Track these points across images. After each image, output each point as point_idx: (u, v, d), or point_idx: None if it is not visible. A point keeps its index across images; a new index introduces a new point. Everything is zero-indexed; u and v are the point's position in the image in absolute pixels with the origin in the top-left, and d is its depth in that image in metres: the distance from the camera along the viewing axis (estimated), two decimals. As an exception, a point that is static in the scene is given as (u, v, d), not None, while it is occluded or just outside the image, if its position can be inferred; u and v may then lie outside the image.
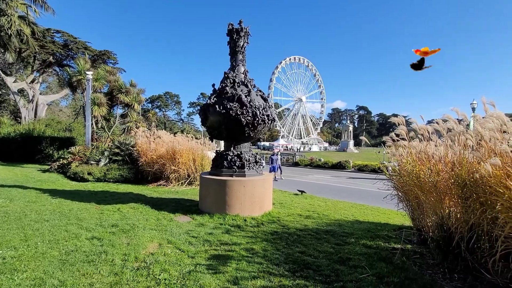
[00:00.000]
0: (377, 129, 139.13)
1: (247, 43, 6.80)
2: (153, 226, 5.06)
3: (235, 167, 6.29)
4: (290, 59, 74.11)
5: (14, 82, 28.57)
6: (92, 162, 11.43)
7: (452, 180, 3.55)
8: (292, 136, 77.32)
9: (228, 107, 5.93)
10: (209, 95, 6.63)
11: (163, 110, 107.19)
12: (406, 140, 4.56)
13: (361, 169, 22.81)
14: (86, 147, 13.38)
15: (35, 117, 26.45)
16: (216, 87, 6.58)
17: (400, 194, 4.97)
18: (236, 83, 6.31)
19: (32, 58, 30.62)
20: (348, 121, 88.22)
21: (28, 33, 19.21)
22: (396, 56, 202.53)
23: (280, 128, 72.88)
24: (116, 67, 34.51)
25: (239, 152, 6.42)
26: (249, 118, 5.98)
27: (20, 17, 17.41)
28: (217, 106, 6.02)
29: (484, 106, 3.40)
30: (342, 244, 4.53)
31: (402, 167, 4.46)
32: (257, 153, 6.95)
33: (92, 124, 15.28)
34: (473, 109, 17.46)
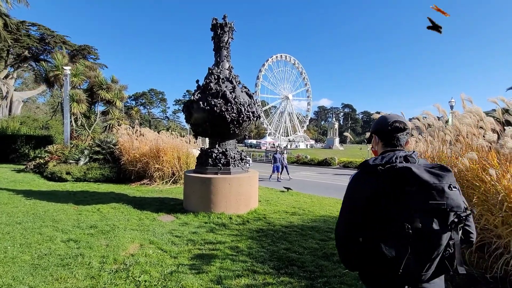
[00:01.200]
0: (362, 126, 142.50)
1: (232, 38, 6.69)
2: (135, 226, 4.89)
3: (220, 165, 6.19)
4: (276, 57, 74.13)
5: (-16, 78, 26.93)
6: (71, 161, 10.94)
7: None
8: (279, 133, 77.68)
9: (213, 103, 5.81)
10: (193, 91, 6.48)
11: (148, 107, 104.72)
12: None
13: (346, 165, 23.26)
14: (64, 145, 12.80)
15: (9, 114, 25.06)
16: (201, 83, 6.45)
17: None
18: (220, 79, 6.20)
19: (6, 52, 28.94)
20: (334, 119, 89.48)
21: (0, 25, 18.11)
22: (381, 54, 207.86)
23: (267, 125, 72.99)
24: (97, 62, 33.29)
25: (224, 150, 6.33)
26: (234, 115, 5.89)
27: (-11, 8, 16.34)
28: (201, 102, 5.89)
29: (462, 102, 3.50)
30: (327, 240, 4.56)
31: (384, 163, 4.54)
32: (242, 150, 6.88)
33: (71, 121, 14.64)
34: (451, 107, 18.17)
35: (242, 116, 5.97)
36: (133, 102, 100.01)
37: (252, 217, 5.78)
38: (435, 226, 1.10)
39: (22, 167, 13.15)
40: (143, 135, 10.92)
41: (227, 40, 6.58)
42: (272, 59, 73.54)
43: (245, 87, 6.65)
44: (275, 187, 10.96)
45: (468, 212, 1.14)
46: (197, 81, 6.49)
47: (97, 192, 8.17)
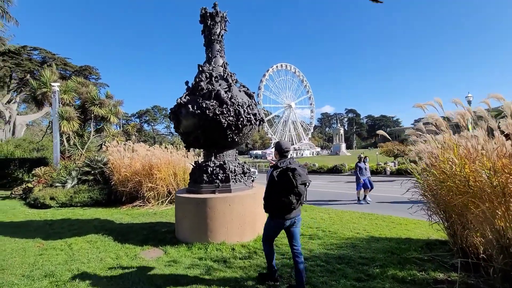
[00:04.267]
0: (367, 131, 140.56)
1: (225, 30, 5.67)
2: (106, 271, 3.69)
3: (217, 181, 5.02)
4: (277, 66, 74.02)
5: (-12, 103, 26.74)
6: (57, 184, 9.89)
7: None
8: (283, 142, 76.21)
9: (204, 106, 4.71)
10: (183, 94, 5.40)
11: (152, 124, 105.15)
12: (437, 132, 3.44)
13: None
14: (54, 167, 11.82)
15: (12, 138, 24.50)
16: (191, 85, 5.39)
17: (429, 200, 3.84)
18: (213, 78, 5.13)
19: (8, 77, 28.86)
20: (339, 125, 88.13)
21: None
22: (380, 58, 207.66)
23: (272, 135, 71.92)
24: (99, 82, 33.12)
25: (222, 162, 5.18)
26: (231, 118, 4.77)
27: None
28: (190, 106, 4.79)
29: None
30: (365, 279, 3.30)
31: (438, 168, 3.31)
32: (245, 162, 5.71)
33: (62, 141, 13.74)
34: (469, 102, 16.81)
35: (242, 119, 4.84)
36: (137, 120, 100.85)
37: (260, 246, 4.54)
38: (303, 188, 2.94)
39: (16, 192, 12.14)
40: (135, 151, 9.86)
41: (220, 33, 5.55)
42: (273, 68, 73.36)
43: (244, 86, 5.57)
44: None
45: (310, 182, 3.04)
46: (187, 82, 5.42)
47: (80, 219, 7.03)
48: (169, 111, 5.27)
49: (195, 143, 5.22)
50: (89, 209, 8.52)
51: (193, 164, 5.48)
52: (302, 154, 71.23)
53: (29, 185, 11.39)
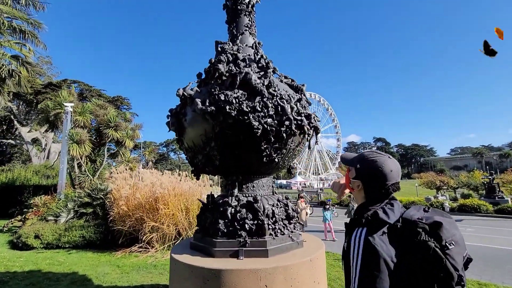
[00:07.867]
0: (398, 160, 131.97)
1: (258, 0, 3.86)
2: None
3: (243, 233, 2.80)
4: (301, 94, 73.28)
5: (29, 132, 27.82)
6: (50, 217, 8.22)
7: None
8: (309, 172, 72.66)
9: (222, 98, 2.70)
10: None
11: (178, 153, 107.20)
12: None
13: (405, 206, 18.16)
14: (56, 196, 10.38)
15: (45, 166, 24.64)
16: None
17: None
18: (239, 60, 3.18)
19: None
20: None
21: (25, 74, 17.95)
22: (406, 88, 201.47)
23: (297, 164, 68.83)
24: (129, 111, 33.99)
25: (251, 199, 2.99)
26: (269, 120, 2.68)
27: (13, 56, 16.20)
28: (199, 100, 2.80)
29: None
30: None
31: None
32: (287, 198, 3.46)
33: (72, 166, 12.51)
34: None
35: (287, 122, 2.73)
36: (164, 149, 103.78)
37: None
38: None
39: (11, 224, 10.75)
40: (142, 179, 8.04)
41: (249, 1, 3.73)
42: (297, 97, 72.59)
43: (286, 77, 3.55)
44: (339, 249, 7.04)
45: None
46: (199, 75, 3.51)
47: (50, 274, 5.02)
48: (168, 113, 3.31)
49: (206, 166, 3.12)
50: (76, 253, 6.56)
51: (203, 200, 3.35)
52: (330, 185, 66.49)
53: (27, 216, 9.92)
